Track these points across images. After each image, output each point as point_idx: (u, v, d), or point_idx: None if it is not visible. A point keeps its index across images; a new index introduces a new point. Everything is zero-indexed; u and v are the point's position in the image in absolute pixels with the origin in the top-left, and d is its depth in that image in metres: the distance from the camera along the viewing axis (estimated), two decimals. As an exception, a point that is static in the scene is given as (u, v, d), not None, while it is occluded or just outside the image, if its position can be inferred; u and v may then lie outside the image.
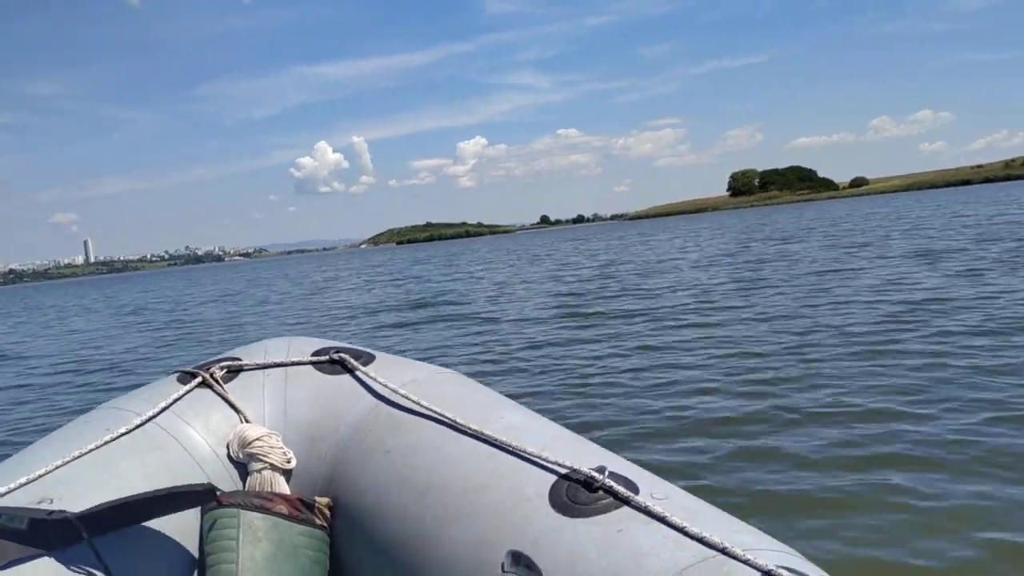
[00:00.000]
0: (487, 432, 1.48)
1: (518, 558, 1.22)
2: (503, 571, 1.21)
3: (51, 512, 1.32)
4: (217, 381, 1.77)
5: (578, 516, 1.24)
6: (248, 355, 1.86)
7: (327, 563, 1.59)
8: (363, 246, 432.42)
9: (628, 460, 1.40)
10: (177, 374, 1.80)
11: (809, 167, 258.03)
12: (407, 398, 1.64)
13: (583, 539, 1.19)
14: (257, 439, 1.65)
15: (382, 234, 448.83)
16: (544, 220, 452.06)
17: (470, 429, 1.51)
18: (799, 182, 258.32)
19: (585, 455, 1.38)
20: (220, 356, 1.89)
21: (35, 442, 1.63)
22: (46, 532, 1.30)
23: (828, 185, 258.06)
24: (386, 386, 1.69)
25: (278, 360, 1.83)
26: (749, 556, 1.07)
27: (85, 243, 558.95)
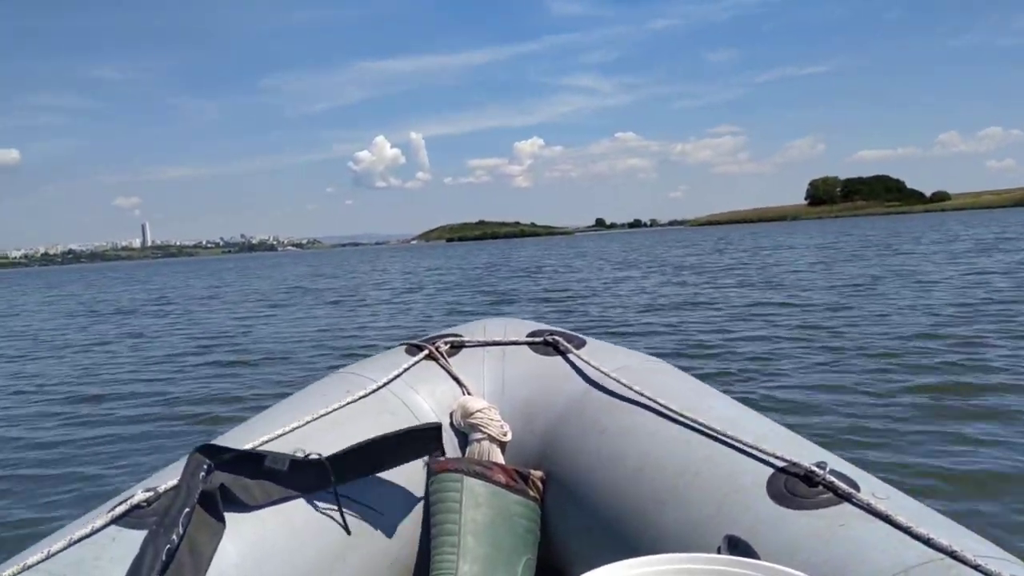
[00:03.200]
0: (700, 420, 1.50)
1: (736, 543, 1.21)
2: (719, 554, 1.20)
3: (307, 457, 1.47)
4: (442, 355, 1.87)
5: (797, 508, 1.23)
6: (468, 332, 1.96)
7: (538, 532, 1.65)
8: (414, 242, 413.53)
9: (846, 460, 1.40)
10: (405, 346, 1.92)
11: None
12: (619, 382, 1.67)
13: (803, 531, 1.19)
14: (478, 411, 1.74)
15: (433, 230, 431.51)
16: (599, 223, 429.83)
17: (683, 416, 1.53)
18: (886, 193, 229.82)
19: (802, 450, 1.39)
20: (443, 332, 2.00)
21: (286, 398, 1.79)
22: (302, 474, 1.46)
23: (920, 197, 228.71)
24: (599, 370, 1.74)
25: (496, 339, 1.92)
26: (980, 562, 1.04)
27: (143, 227, 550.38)
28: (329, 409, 1.65)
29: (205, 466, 1.40)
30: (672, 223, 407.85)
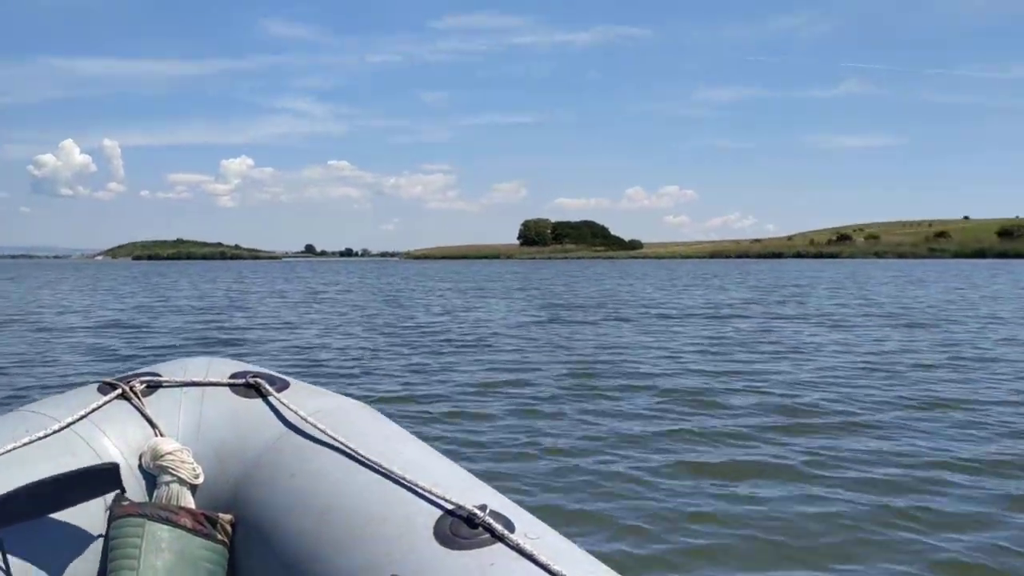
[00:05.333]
0: (384, 464, 1.58)
1: None
2: None
3: None
4: (136, 395, 1.81)
5: (457, 548, 1.33)
6: (168, 372, 1.92)
7: None
8: (99, 257, 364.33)
9: (511, 500, 1.54)
10: (98, 384, 1.85)
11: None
12: (315, 426, 1.72)
13: (460, 571, 1.28)
14: (168, 453, 1.71)
15: (123, 247, 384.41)
16: (309, 249, 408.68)
17: (370, 460, 1.60)
18: (592, 237, 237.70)
19: (473, 492, 1.51)
20: (140, 370, 1.95)
21: None
22: None
23: (621, 244, 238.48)
24: (296, 413, 1.76)
25: (196, 379, 1.89)
26: None
27: None
28: (2, 450, 1.54)
29: None
30: (384, 254, 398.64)
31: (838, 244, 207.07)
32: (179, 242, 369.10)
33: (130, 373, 1.91)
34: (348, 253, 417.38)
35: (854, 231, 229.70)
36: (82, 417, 1.70)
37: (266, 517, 1.60)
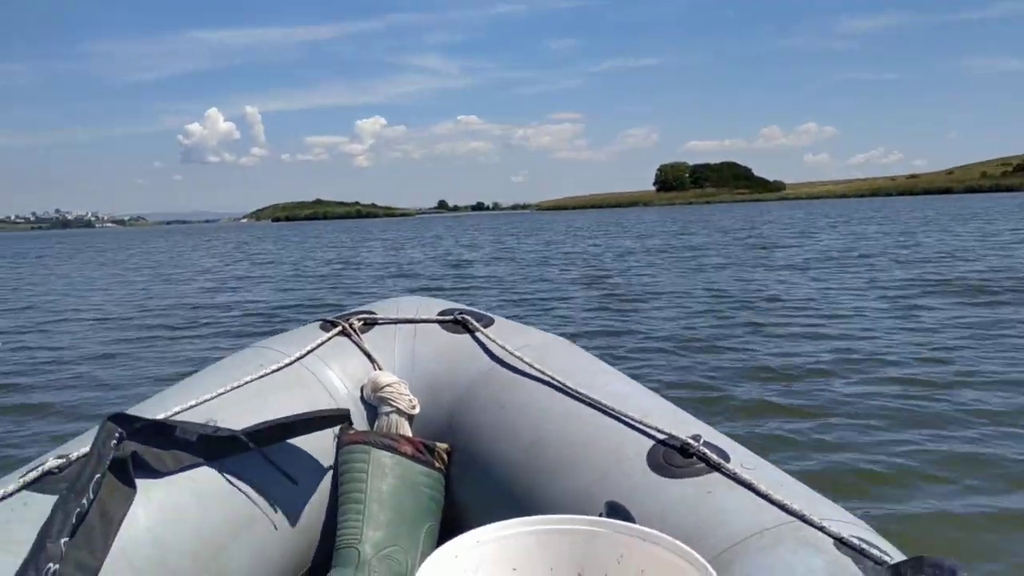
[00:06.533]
0: (592, 396, 1.62)
1: (615, 508, 1.31)
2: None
3: (217, 429, 1.53)
4: (355, 331, 1.91)
5: (672, 477, 1.34)
6: (382, 310, 2.01)
7: (442, 501, 1.75)
8: (243, 220, 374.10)
9: (722, 432, 1.53)
10: (320, 322, 1.96)
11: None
12: (521, 360, 1.78)
13: (675, 497, 1.30)
14: (388, 385, 1.80)
15: (264, 209, 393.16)
16: (442, 205, 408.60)
17: (577, 392, 1.64)
18: (735, 180, 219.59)
19: (682, 424, 1.52)
20: (357, 309, 2.05)
21: (201, 370, 1.81)
22: (212, 445, 1.51)
23: (766, 185, 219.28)
24: (503, 348, 1.83)
25: (409, 316, 1.97)
26: (824, 524, 1.17)
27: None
28: (242, 382, 1.68)
29: (117, 434, 1.42)
30: (515, 207, 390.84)
31: (1017, 175, 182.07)
32: (317, 203, 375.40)
33: (349, 312, 2.01)
34: (480, 207, 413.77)
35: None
36: (309, 352, 1.81)
37: (479, 446, 1.67)
